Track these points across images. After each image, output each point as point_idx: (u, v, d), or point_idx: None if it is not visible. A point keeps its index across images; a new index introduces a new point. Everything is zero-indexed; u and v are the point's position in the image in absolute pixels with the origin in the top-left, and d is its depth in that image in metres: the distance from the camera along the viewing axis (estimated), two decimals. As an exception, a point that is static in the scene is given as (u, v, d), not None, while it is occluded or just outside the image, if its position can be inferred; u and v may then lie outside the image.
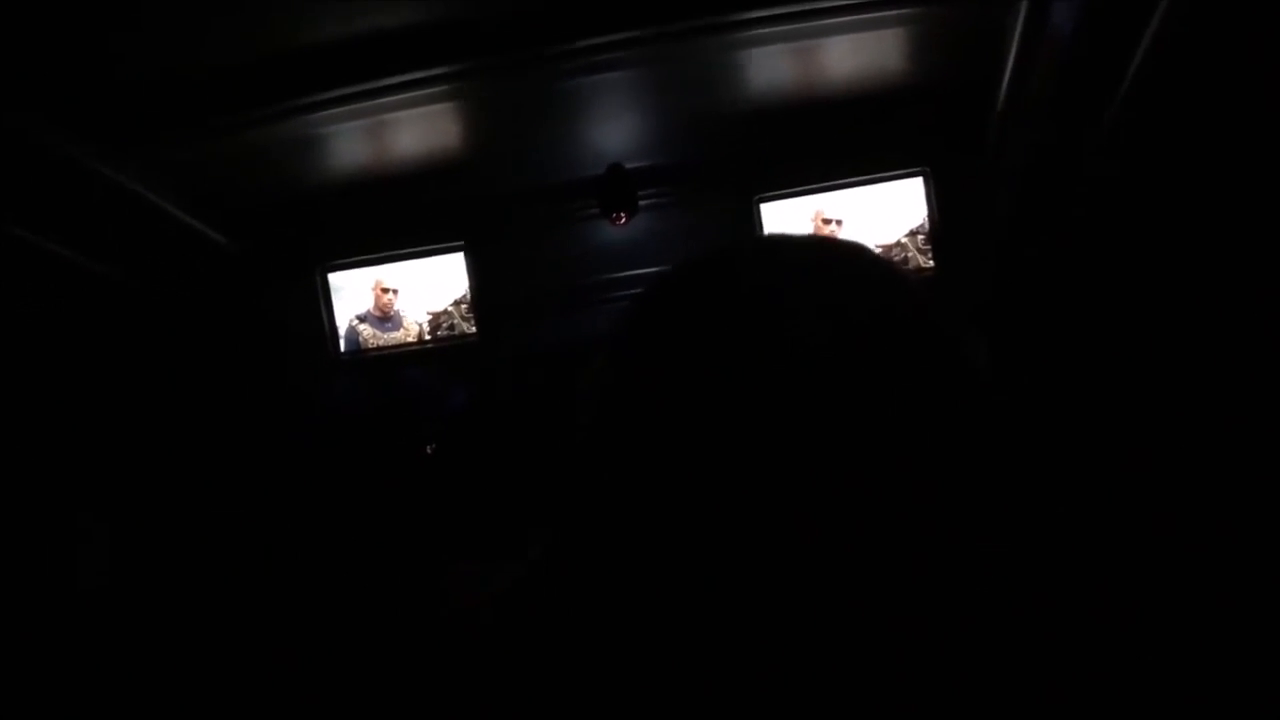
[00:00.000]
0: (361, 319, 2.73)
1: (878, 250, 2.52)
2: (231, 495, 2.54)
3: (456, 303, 2.71)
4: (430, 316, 2.72)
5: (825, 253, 0.58)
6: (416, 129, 2.24)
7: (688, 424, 0.49)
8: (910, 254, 2.54)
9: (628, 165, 2.52)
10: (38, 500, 2.14)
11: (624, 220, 2.58)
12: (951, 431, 0.49)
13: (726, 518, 0.48)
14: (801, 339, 0.49)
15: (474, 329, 2.71)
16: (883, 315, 0.51)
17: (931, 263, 2.53)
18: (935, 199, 2.51)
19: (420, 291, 2.72)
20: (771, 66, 2.14)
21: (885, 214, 2.54)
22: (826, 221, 2.55)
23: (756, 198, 2.57)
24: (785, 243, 0.58)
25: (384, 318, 2.73)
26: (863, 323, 0.50)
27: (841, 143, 2.48)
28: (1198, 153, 1.68)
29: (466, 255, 2.69)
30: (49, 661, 1.96)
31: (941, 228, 2.51)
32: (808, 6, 1.84)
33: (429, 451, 2.64)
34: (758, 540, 0.48)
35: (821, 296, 0.51)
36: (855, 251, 0.57)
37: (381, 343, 2.73)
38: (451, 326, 2.72)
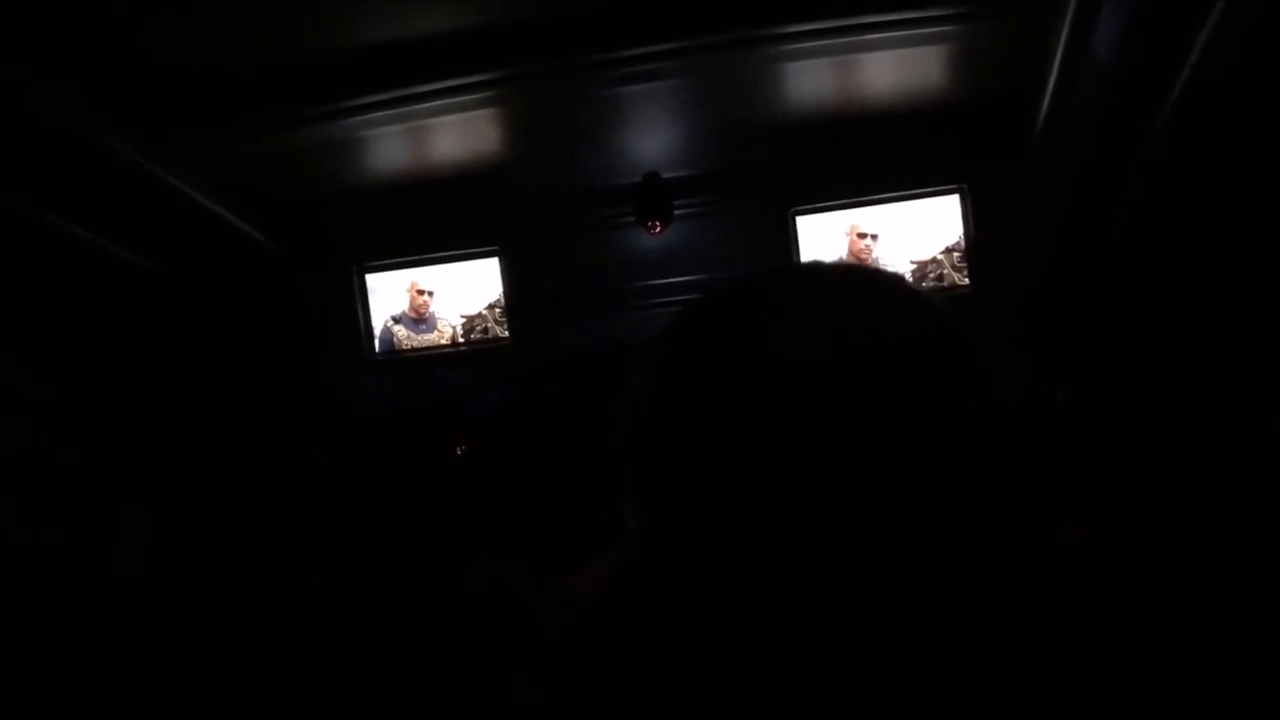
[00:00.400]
0: (396, 320, 2.76)
1: (913, 265, 2.52)
2: (266, 491, 2.58)
3: (490, 306, 2.73)
4: (464, 319, 2.75)
5: (859, 279, 0.59)
6: (456, 134, 2.26)
7: (716, 436, 0.51)
8: (945, 271, 2.53)
9: (664, 174, 2.53)
10: (81, 488, 2.18)
11: (659, 229, 2.59)
12: (975, 451, 0.50)
13: (745, 520, 0.49)
14: (830, 359, 0.50)
15: (507, 333, 2.73)
16: (913, 340, 0.52)
17: (967, 280, 2.52)
18: (972, 216, 2.50)
19: (455, 294, 2.75)
20: (810, 80, 2.15)
21: (921, 230, 2.53)
22: (862, 236, 2.54)
23: (792, 211, 2.57)
24: (821, 268, 0.60)
25: (418, 319, 2.75)
26: (891, 346, 0.51)
27: (879, 158, 2.47)
28: (1243, 174, 1.66)
29: (501, 260, 2.71)
30: (85, 645, 1.99)
31: (978, 245, 2.50)
32: (848, 21, 1.84)
33: (459, 453, 2.66)
34: (774, 545, 0.49)
35: (853, 319, 0.53)
36: (888, 279, 0.58)
37: (415, 344, 2.76)
38: (485, 330, 2.74)
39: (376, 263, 2.75)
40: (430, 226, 2.73)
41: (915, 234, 2.53)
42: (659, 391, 0.55)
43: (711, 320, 0.57)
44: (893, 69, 2.11)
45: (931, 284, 2.52)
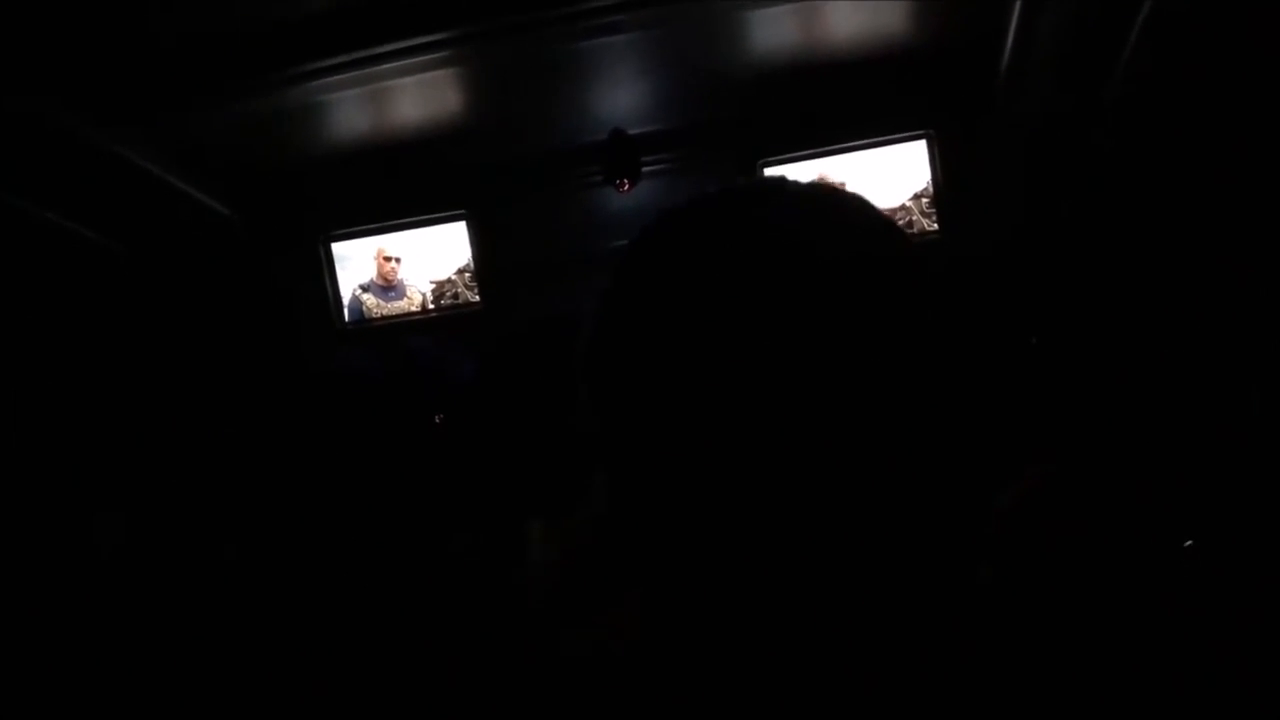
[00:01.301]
0: (365, 288, 2.73)
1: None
2: (240, 467, 2.56)
3: (460, 271, 2.71)
4: (434, 285, 2.72)
5: (821, 197, 0.60)
6: (418, 96, 2.22)
7: (671, 353, 0.51)
8: (914, 217, 2.54)
9: (631, 131, 2.50)
10: (52, 483, 2.15)
11: (627, 188, 2.56)
12: (926, 384, 0.51)
13: (707, 444, 0.50)
14: (787, 272, 0.51)
15: (478, 297, 2.71)
16: (869, 256, 0.53)
17: (935, 225, 2.53)
18: (939, 162, 2.50)
19: (423, 260, 2.72)
20: (775, 29, 2.13)
21: (889, 177, 2.54)
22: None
23: (760, 162, 2.56)
24: (784, 186, 0.60)
25: (387, 286, 2.73)
26: (848, 262, 0.51)
27: (845, 106, 2.46)
28: (1206, 111, 1.67)
29: (469, 224, 2.68)
30: (71, 642, 1.98)
31: (945, 190, 2.51)
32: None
33: (438, 422, 2.65)
34: (726, 462, 0.49)
35: (812, 234, 0.54)
36: (851, 199, 0.59)
37: (385, 312, 2.73)
38: (455, 295, 2.72)
39: (342, 231, 2.71)
40: (395, 192, 2.69)
41: (883, 181, 2.54)
42: (619, 310, 0.56)
43: (671, 239, 0.57)
44: (856, 15, 2.10)
45: (901, 231, 2.52)
